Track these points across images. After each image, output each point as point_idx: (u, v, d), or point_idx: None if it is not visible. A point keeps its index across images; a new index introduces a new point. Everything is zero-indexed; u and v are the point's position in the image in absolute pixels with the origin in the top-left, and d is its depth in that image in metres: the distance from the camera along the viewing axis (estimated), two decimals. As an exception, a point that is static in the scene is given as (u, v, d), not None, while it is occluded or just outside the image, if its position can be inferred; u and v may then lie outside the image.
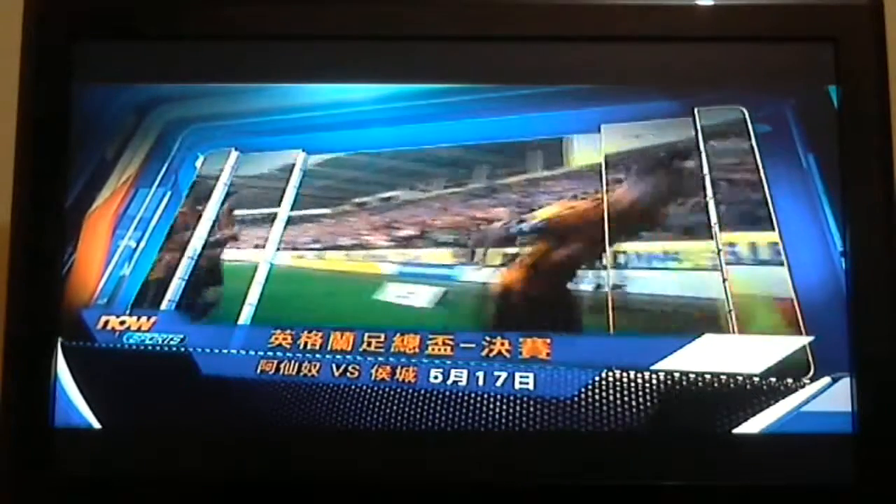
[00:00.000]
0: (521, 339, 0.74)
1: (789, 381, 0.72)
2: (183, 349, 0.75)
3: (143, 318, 0.76)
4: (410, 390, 0.73)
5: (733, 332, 0.73)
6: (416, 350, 0.74)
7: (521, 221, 0.76)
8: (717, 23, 0.78)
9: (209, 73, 0.79)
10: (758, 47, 0.78)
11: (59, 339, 0.75)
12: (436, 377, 0.74)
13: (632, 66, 0.78)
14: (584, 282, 0.75)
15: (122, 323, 0.75)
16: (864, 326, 0.73)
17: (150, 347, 0.75)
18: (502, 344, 0.74)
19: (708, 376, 0.73)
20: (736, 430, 0.72)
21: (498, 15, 0.78)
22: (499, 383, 0.73)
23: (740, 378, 0.72)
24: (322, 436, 0.73)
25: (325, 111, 0.79)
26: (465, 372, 0.74)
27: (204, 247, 0.77)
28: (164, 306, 0.76)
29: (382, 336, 0.75)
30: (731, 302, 0.74)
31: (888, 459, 0.72)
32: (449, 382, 0.73)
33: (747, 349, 0.73)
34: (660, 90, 0.77)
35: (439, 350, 0.74)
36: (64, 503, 0.74)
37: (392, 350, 0.74)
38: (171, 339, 0.75)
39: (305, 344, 0.75)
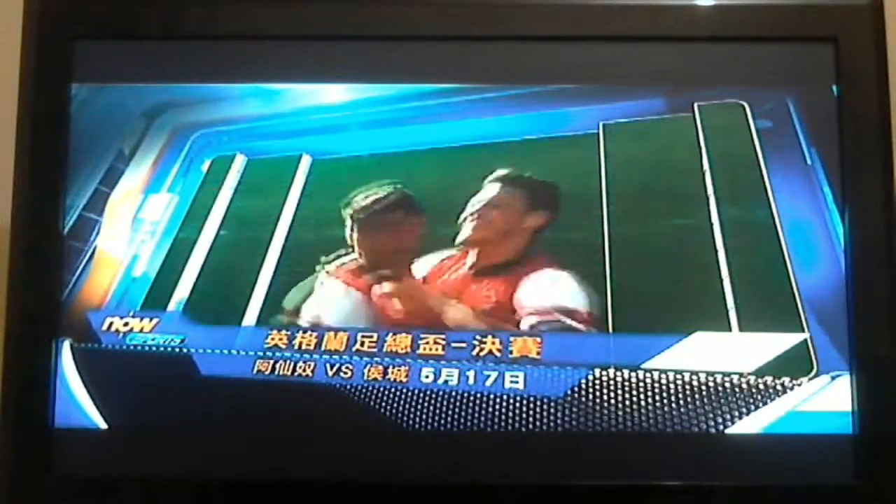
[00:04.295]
0: (511, 339, 0.74)
1: (790, 380, 0.72)
2: (184, 350, 0.75)
3: (146, 320, 0.76)
4: (403, 389, 0.74)
5: (733, 329, 0.73)
6: (408, 350, 0.74)
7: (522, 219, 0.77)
8: (717, 23, 0.77)
9: (210, 74, 0.79)
10: (758, 47, 0.77)
11: (68, 341, 0.75)
12: (427, 376, 0.74)
13: (632, 65, 0.78)
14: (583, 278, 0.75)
15: (125, 325, 0.76)
16: (865, 325, 0.73)
17: (152, 348, 0.75)
18: (493, 343, 0.74)
19: (705, 375, 0.72)
20: (737, 430, 0.72)
21: (500, 16, 0.78)
22: (489, 382, 0.73)
23: (740, 377, 0.72)
24: (317, 435, 0.74)
25: (330, 113, 0.79)
26: (456, 371, 0.74)
27: (210, 250, 0.77)
28: (171, 308, 0.76)
29: (375, 336, 0.75)
30: (731, 299, 0.74)
31: (888, 459, 0.72)
32: (440, 382, 0.74)
33: (748, 347, 0.73)
34: (660, 90, 0.77)
35: (431, 349, 0.74)
36: (63, 502, 0.74)
37: (385, 350, 0.74)
38: (172, 341, 0.75)
39: (300, 344, 0.75)
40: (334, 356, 0.74)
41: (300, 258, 0.77)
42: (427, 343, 0.74)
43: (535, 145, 0.77)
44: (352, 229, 0.77)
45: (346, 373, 0.74)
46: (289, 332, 0.75)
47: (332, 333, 0.75)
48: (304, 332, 0.75)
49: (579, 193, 0.76)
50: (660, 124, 0.77)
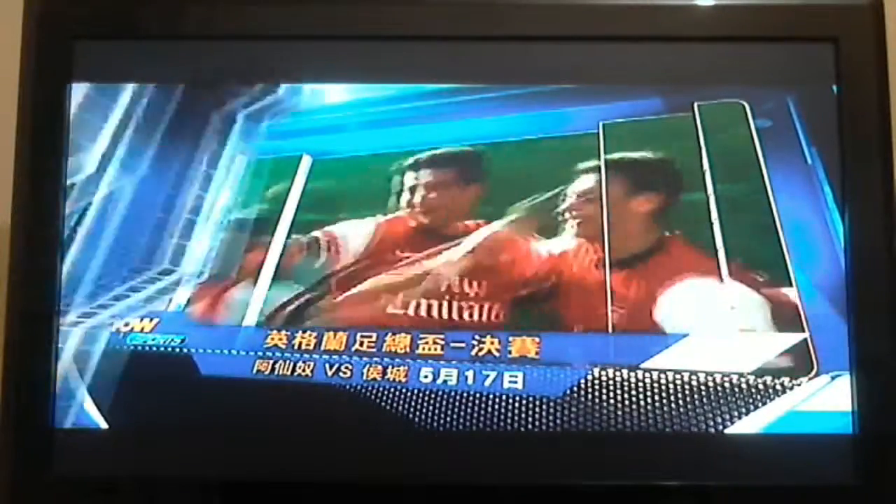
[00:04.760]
0: (510, 339, 0.74)
1: (790, 380, 0.72)
2: (184, 350, 0.75)
3: (146, 320, 0.76)
4: (402, 390, 0.74)
5: (733, 329, 0.73)
6: (407, 350, 0.74)
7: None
8: (717, 23, 0.77)
9: (212, 74, 0.79)
10: (758, 47, 0.77)
11: (68, 340, 0.75)
12: (426, 377, 0.74)
13: (631, 66, 0.78)
14: (582, 279, 0.75)
15: (126, 324, 0.75)
16: (865, 325, 0.73)
17: (152, 348, 0.75)
18: (492, 343, 0.74)
19: (704, 374, 0.72)
20: (737, 430, 0.72)
21: (499, 15, 0.78)
22: (488, 382, 0.73)
23: (740, 376, 0.72)
24: (317, 435, 0.74)
25: (331, 114, 0.79)
26: (455, 371, 0.74)
27: (209, 250, 0.77)
28: (171, 308, 0.76)
29: (374, 336, 0.75)
30: (730, 298, 0.74)
31: (888, 459, 0.72)
32: (439, 382, 0.74)
33: (748, 347, 0.73)
34: (660, 91, 0.77)
35: (430, 349, 0.74)
36: (63, 502, 0.74)
37: (384, 350, 0.74)
38: (172, 341, 0.75)
39: (300, 344, 0.75)
40: (334, 356, 0.75)
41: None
42: (426, 343, 0.74)
43: (537, 145, 0.78)
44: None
45: (345, 373, 0.74)
46: (288, 333, 0.75)
47: (331, 333, 0.75)
48: (304, 331, 0.75)
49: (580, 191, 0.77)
50: (659, 124, 0.77)
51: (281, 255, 0.77)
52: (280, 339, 0.75)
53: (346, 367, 0.74)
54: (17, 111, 0.76)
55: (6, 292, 0.75)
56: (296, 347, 0.75)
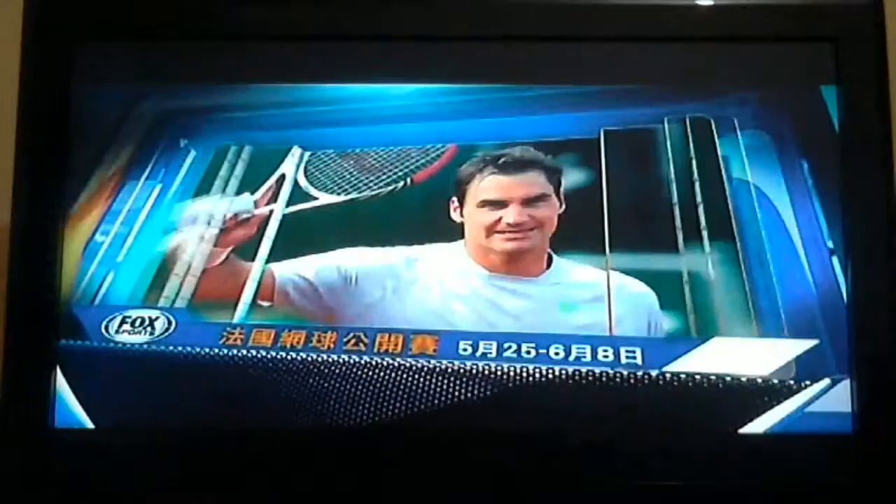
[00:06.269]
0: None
1: (791, 382, 0.72)
2: (184, 348, 0.75)
3: (147, 319, 0.75)
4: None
5: (733, 335, 0.73)
6: (400, 349, 0.74)
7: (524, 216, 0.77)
8: (716, 23, 0.77)
9: (211, 74, 0.79)
10: (758, 47, 0.77)
11: (68, 341, 0.75)
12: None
13: (629, 66, 0.78)
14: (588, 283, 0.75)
15: (126, 324, 0.75)
16: (864, 328, 0.72)
17: (144, 346, 0.75)
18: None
19: (713, 378, 0.72)
20: (737, 431, 0.72)
21: (500, 15, 0.78)
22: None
23: (742, 380, 0.72)
24: (317, 433, 0.74)
25: (325, 107, 0.79)
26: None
27: (210, 248, 0.77)
28: (170, 305, 0.76)
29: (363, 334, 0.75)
30: (722, 303, 0.74)
31: (888, 459, 0.72)
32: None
33: (748, 352, 0.73)
34: (659, 91, 0.77)
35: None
36: (63, 502, 0.74)
37: (375, 350, 0.74)
38: (172, 339, 0.75)
39: (286, 343, 0.75)
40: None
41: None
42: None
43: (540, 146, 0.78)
44: None
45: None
46: (275, 331, 0.75)
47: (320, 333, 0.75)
48: (290, 330, 0.75)
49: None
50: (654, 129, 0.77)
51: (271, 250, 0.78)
52: (268, 337, 0.75)
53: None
54: (17, 112, 0.76)
55: (6, 292, 0.75)
56: (281, 346, 0.75)
